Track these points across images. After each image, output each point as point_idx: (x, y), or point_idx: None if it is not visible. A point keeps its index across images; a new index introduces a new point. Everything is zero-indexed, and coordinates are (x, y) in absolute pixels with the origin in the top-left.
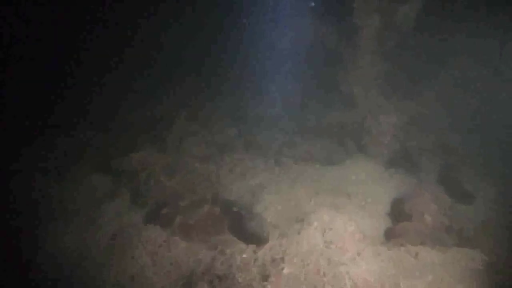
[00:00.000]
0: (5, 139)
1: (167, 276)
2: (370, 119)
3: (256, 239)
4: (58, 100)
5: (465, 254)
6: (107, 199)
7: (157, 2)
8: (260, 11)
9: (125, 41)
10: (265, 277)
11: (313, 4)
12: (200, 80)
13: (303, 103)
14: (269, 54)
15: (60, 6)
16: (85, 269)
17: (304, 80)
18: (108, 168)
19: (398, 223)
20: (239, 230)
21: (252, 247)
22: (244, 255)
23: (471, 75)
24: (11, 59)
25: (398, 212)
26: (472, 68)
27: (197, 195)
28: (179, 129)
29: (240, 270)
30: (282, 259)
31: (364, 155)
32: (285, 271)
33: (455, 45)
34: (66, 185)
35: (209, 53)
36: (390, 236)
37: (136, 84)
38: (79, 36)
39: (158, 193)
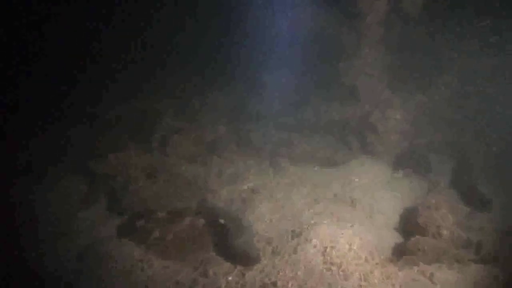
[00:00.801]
0: None
1: None
2: (376, 115)
3: (244, 258)
4: (33, 95)
5: (486, 273)
6: (82, 205)
7: None
8: None
9: (107, 27)
10: None
11: None
12: (191, 72)
13: (301, 97)
14: (264, 44)
15: None
16: None
17: (302, 72)
18: (86, 170)
19: (410, 238)
20: (226, 246)
21: (240, 268)
22: (230, 278)
23: (483, 67)
24: None
25: (410, 225)
26: (485, 60)
27: (180, 202)
28: (166, 125)
29: None
30: (275, 284)
31: (369, 155)
32: None
33: (465, 34)
34: (43, 188)
35: (202, 43)
36: (401, 253)
37: (120, 74)
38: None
39: (136, 200)
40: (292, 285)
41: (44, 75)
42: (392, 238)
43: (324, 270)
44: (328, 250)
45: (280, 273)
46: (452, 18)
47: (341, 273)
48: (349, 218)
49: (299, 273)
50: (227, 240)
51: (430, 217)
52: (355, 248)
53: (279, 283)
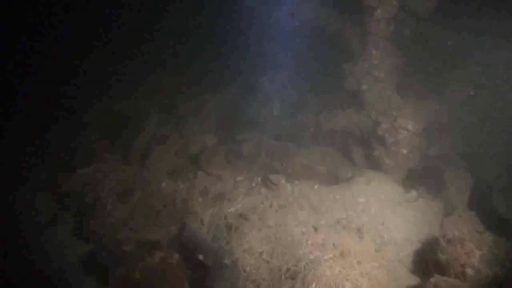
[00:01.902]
0: None
1: None
2: (385, 124)
3: None
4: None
5: None
6: (48, 228)
7: None
8: None
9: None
10: None
11: None
12: (179, 72)
13: (300, 102)
14: (260, 44)
15: None
16: None
17: (301, 74)
18: (55, 186)
19: (428, 279)
20: None
21: None
22: None
23: (499, 71)
24: None
25: (428, 262)
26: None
27: (153, 229)
28: (148, 133)
29: None
30: None
31: (376, 171)
32: None
33: (481, 35)
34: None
35: (191, 41)
36: None
37: (101, 74)
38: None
39: (103, 224)
40: None
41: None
42: (407, 278)
43: None
44: None
45: None
46: (469, 16)
47: None
48: (355, 252)
49: None
50: (205, 282)
51: (454, 253)
52: None
53: None
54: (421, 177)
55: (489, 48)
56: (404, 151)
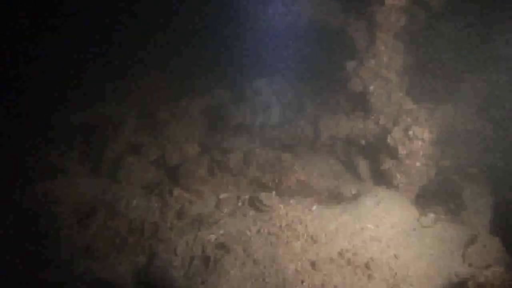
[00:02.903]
0: None
1: None
2: (398, 133)
3: None
4: None
5: None
6: None
7: None
8: None
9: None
10: None
11: None
12: (162, 73)
13: (296, 105)
14: (253, 41)
15: None
16: None
17: (298, 74)
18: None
19: None
20: None
21: None
22: None
23: None
24: None
25: None
26: None
27: (113, 263)
28: (123, 140)
29: None
30: None
31: (385, 187)
32: None
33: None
34: None
35: (175, 38)
36: None
37: (72, 75)
38: None
39: (57, 254)
40: None
41: None
42: None
43: None
44: None
45: None
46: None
47: None
48: None
49: None
50: None
51: None
52: None
53: None
54: (437, 195)
55: None
56: (419, 164)
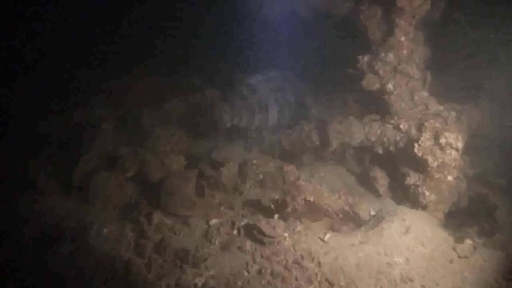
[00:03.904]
0: None
1: None
2: (428, 141)
3: None
4: None
5: None
6: None
7: None
8: None
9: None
10: None
11: None
12: (148, 70)
13: (300, 106)
14: (249, 32)
15: None
16: None
17: (302, 70)
18: None
19: None
20: None
21: None
22: None
23: None
24: None
25: None
26: None
27: None
28: (98, 150)
29: None
30: None
31: (410, 205)
32: None
33: None
34: None
35: (162, 30)
36: None
37: (45, 76)
38: None
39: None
40: None
41: None
42: None
43: None
44: None
45: None
46: None
47: None
48: None
49: None
50: None
51: None
52: None
53: None
54: (468, 214)
55: None
56: (450, 178)
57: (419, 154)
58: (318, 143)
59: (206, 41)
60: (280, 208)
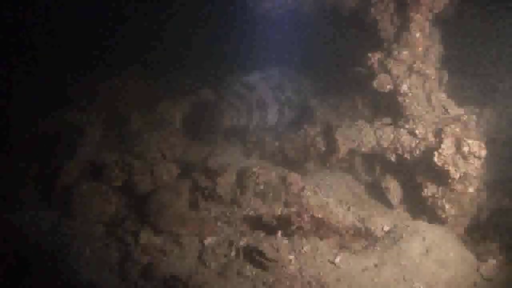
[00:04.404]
0: None
1: None
2: (449, 149)
3: None
4: None
5: None
6: None
7: None
8: None
9: None
10: None
11: None
12: (139, 69)
13: (304, 108)
14: (248, 27)
15: None
16: None
17: (306, 69)
18: None
19: None
20: None
21: None
22: None
23: None
24: None
25: None
26: None
27: None
28: (83, 157)
29: None
30: None
31: (427, 220)
32: None
33: None
34: None
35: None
36: None
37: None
38: None
39: None
40: None
41: None
42: None
43: None
44: None
45: None
46: None
47: None
48: None
49: None
50: None
51: None
52: None
53: None
54: (490, 228)
55: None
56: (472, 190)
57: (440, 164)
58: (324, 149)
59: (201, 38)
60: (284, 225)
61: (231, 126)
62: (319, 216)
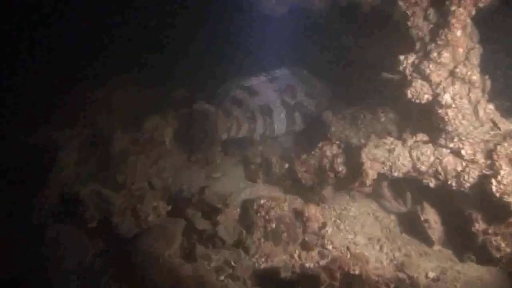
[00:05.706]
0: None
1: None
2: (508, 175)
3: None
4: None
5: None
6: None
7: None
8: None
9: None
10: None
11: None
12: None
13: (318, 120)
14: (253, 27)
15: None
16: None
17: (320, 73)
18: None
19: None
20: None
21: None
22: None
23: None
24: None
25: None
26: None
27: None
28: (53, 192)
29: None
30: None
31: (475, 260)
32: None
33: None
34: None
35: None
36: None
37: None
38: None
39: None
40: None
41: None
42: None
43: None
44: None
45: None
46: None
47: None
48: None
49: None
50: None
51: None
52: None
53: None
54: None
55: None
56: None
57: (498, 194)
58: (345, 172)
59: (201, 38)
60: (308, 283)
61: (229, 139)
62: (356, 273)
